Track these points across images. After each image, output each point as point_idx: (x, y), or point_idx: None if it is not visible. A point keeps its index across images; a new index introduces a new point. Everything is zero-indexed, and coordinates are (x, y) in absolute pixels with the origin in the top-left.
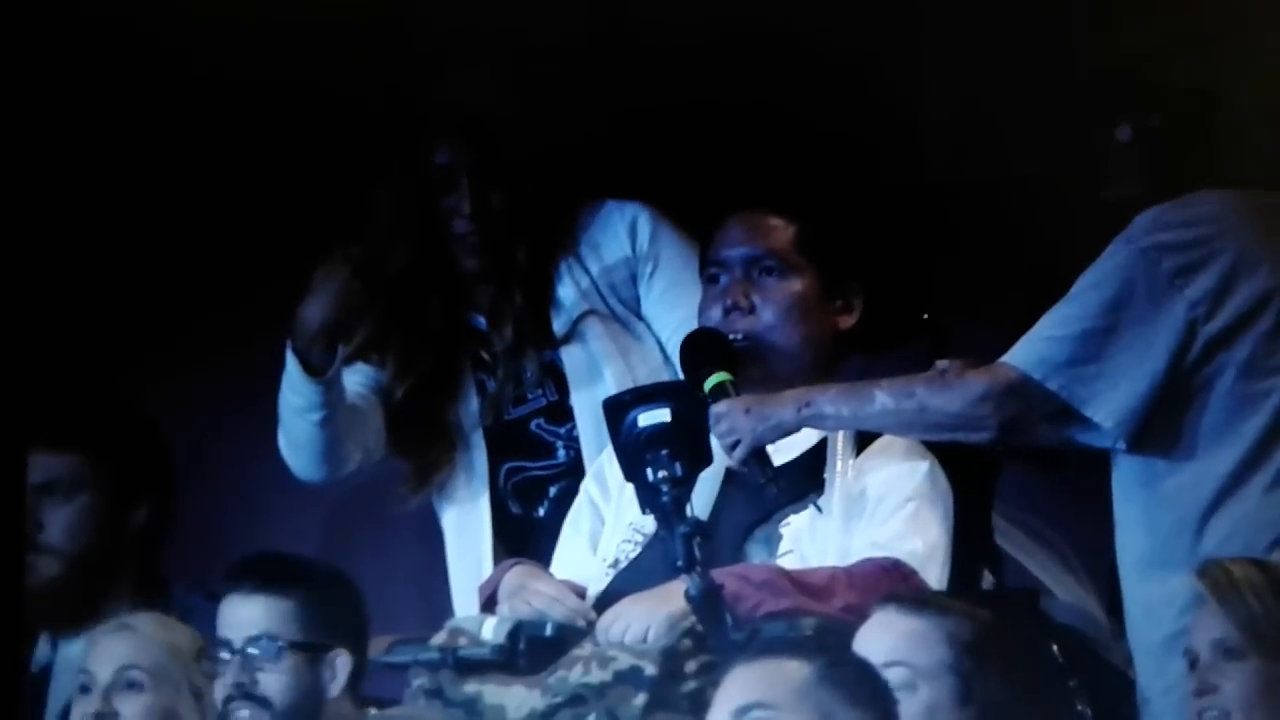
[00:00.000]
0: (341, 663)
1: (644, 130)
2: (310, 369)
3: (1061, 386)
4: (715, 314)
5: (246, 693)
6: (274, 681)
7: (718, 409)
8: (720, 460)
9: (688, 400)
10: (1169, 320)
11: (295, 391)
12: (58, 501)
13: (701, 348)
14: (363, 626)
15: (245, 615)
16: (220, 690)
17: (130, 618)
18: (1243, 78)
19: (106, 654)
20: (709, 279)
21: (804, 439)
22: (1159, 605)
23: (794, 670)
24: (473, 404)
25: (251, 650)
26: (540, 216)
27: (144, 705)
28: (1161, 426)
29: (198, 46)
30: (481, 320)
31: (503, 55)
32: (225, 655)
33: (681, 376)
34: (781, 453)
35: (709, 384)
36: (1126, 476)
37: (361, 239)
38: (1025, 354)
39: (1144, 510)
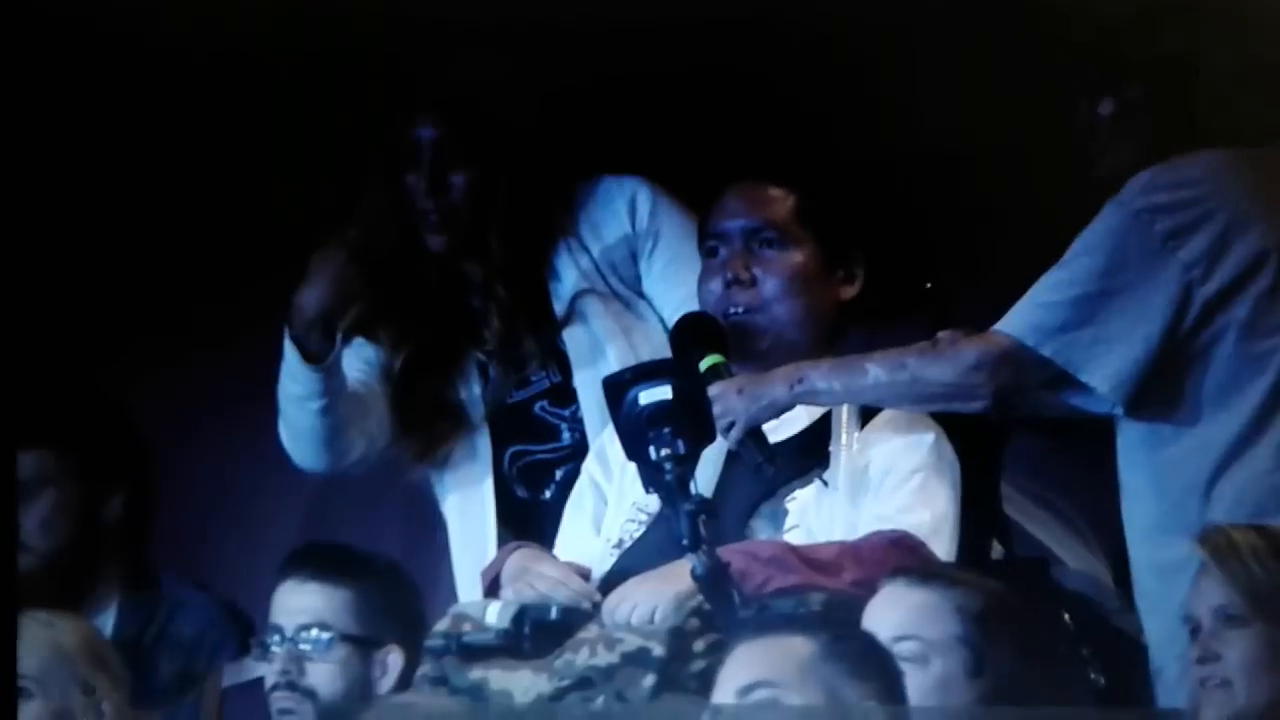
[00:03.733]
0: (393, 660)
1: (640, 103)
2: (309, 356)
3: (1056, 352)
4: (715, 287)
5: (291, 682)
6: (322, 673)
7: (711, 391)
8: (728, 445)
9: (689, 376)
10: (1164, 283)
11: (294, 379)
12: (27, 498)
13: (693, 331)
14: (418, 624)
15: (298, 603)
16: (268, 677)
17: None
18: (1221, 41)
19: None
20: (708, 252)
21: (807, 413)
22: (1170, 572)
23: (798, 647)
24: (475, 387)
25: (302, 639)
26: (517, 201)
27: (34, 713)
28: (1163, 391)
29: (181, 41)
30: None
31: (493, 28)
32: (276, 641)
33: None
34: (785, 427)
35: (702, 367)
36: (1132, 443)
37: (350, 226)
38: (1018, 321)
39: (1151, 476)
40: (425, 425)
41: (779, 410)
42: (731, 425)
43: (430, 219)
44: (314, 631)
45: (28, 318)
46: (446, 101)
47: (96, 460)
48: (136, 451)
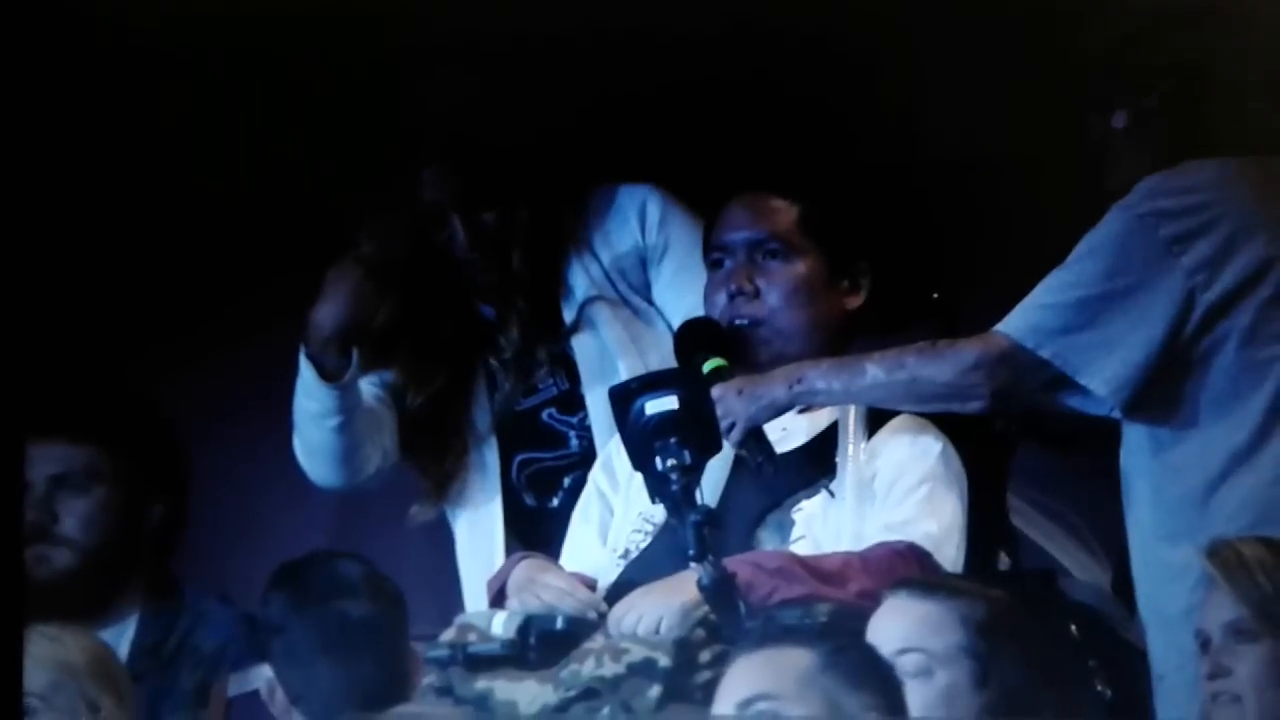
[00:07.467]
0: None
1: (643, 114)
2: (325, 374)
3: (1055, 354)
4: (720, 299)
5: None
6: None
7: (712, 393)
8: (730, 447)
9: (695, 386)
10: (1167, 288)
11: (310, 397)
12: (74, 493)
13: (695, 335)
14: None
15: None
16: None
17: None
18: (1233, 50)
19: None
20: (713, 264)
21: (812, 424)
22: (1171, 579)
23: (797, 659)
24: (484, 397)
25: None
26: (534, 221)
27: None
28: (1164, 396)
29: (200, 39)
30: (490, 310)
31: (495, 42)
32: None
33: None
34: (791, 438)
35: (704, 370)
36: (1134, 449)
37: (362, 241)
38: (1018, 322)
39: (1152, 482)
40: (438, 462)
41: (779, 410)
42: (732, 426)
43: (473, 263)
44: None
45: (66, 319)
46: (456, 147)
47: (149, 467)
48: (181, 465)
